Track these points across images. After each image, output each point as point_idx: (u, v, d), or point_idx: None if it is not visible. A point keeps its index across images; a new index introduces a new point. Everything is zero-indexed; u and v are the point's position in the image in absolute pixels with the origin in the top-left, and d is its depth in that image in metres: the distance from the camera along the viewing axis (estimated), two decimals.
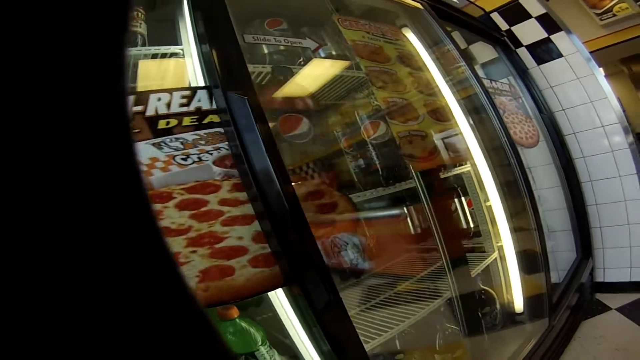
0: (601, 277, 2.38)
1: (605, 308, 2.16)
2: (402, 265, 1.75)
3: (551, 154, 2.28)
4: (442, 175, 1.46)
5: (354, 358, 1.06)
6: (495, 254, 1.71)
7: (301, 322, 1.06)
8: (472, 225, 1.78)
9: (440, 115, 1.48)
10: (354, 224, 1.61)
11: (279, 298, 1.07)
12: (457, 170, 1.57)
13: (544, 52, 2.38)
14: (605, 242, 2.34)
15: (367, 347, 1.26)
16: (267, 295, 1.11)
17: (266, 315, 1.33)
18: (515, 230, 1.69)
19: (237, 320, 1.14)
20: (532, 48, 2.41)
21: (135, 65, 1.24)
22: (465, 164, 1.60)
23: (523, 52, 2.44)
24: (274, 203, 0.82)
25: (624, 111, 2.28)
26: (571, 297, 2.02)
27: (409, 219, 1.73)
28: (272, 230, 0.84)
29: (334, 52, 1.41)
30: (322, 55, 1.38)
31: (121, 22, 0.25)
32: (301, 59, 1.36)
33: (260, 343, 1.17)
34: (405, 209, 1.71)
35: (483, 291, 1.78)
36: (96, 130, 0.23)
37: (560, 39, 2.36)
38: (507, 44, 2.43)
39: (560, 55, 2.35)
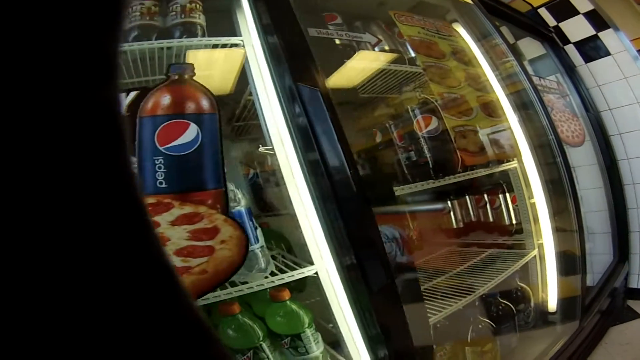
0: (635, 283, 2.33)
1: (635, 315, 2.13)
2: (440, 259, 1.77)
3: (596, 154, 2.24)
4: (488, 172, 1.45)
5: (401, 344, 1.09)
6: (535, 252, 1.70)
7: (352, 306, 1.09)
8: (514, 221, 1.77)
9: (491, 110, 1.48)
10: (396, 216, 1.63)
11: (331, 282, 1.10)
12: (505, 167, 1.56)
13: (591, 49, 2.32)
14: None
15: None
16: (319, 279, 1.15)
17: (308, 301, 1.37)
18: (557, 230, 1.68)
19: (288, 302, 1.18)
20: (579, 45, 2.35)
21: (183, 55, 1.22)
22: (513, 160, 1.59)
23: (570, 49, 2.38)
24: (344, 188, 0.86)
25: None
26: (603, 302, 2.00)
27: (452, 213, 1.75)
28: (339, 214, 0.88)
29: (387, 47, 1.43)
30: (378, 50, 1.40)
31: (112, 18, 0.23)
32: (356, 53, 1.38)
33: (307, 325, 1.21)
34: (449, 202, 1.72)
35: (519, 288, 1.79)
36: (85, 128, 0.22)
37: (608, 37, 2.29)
38: (554, 41, 2.37)
39: (608, 54, 2.29)
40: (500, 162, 1.54)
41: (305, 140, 0.96)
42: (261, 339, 1.19)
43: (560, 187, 1.63)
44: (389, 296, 1.01)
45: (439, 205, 1.75)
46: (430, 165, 1.26)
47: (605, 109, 2.30)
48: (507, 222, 1.77)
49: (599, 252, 2.32)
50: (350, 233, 0.90)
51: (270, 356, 1.21)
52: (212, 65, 1.34)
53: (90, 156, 0.22)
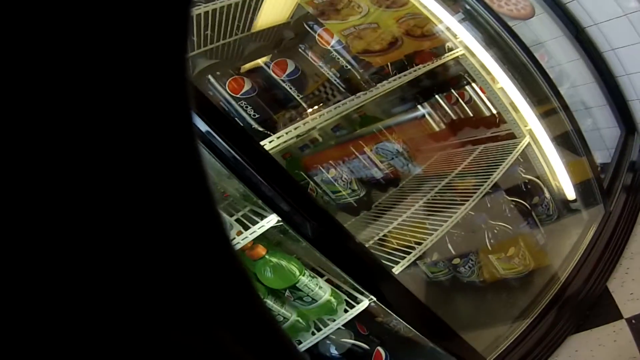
0: None
1: None
2: (440, 163, 1.67)
3: (557, 25, 2.08)
4: (431, 66, 1.34)
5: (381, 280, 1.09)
6: (527, 139, 1.58)
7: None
8: (494, 111, 1.66)
9: (392, 2, 1.34)
10: (386, 132, 1.54)
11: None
12: (449, 56, 1.41)
13: None
14: None
15: (415, 252, 1.24)
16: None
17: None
18: (541, 113, 1.57)
19: (267, 256, 1.11)
20: None
21: None
22: (455, 47, 1.46)
23: None
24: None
25: None
26: (624, 178, 1.87)
27: (428, 117, 1.64)
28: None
29: None
30: None
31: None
32: None
33: (299, 274, 1.14)
34: (420, 107, 1.61)
35: (527, 181, 1.67)
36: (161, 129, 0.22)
37: None
38: None
39: None
40: (440, 51, 1.42)
41: None
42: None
43: (522, 65, 1.52)
44: (331, 238, 1.00)
45: (413, 114, 1.65)
46: (359, 77, 1.17)
47: None
48: (486, 113, 1.65)
49: (605, 127, 2.16)
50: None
51: (280, 311, 1.16)
52: None
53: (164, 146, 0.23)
